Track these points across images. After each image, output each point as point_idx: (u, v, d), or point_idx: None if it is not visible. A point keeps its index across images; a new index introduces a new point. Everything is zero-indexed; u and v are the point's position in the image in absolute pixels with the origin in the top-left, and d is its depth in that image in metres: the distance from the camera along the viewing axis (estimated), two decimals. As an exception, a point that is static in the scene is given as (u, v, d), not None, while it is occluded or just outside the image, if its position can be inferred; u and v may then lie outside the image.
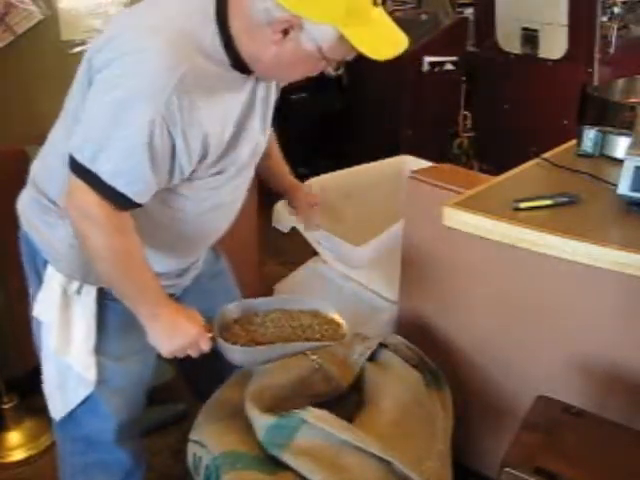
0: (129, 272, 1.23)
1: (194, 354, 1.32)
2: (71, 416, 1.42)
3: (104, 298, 1.36)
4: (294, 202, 1.69)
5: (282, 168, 1.68)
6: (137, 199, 1.17)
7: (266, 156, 1.49)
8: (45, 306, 1.35)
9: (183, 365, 1.81)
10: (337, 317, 1.42)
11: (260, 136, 1.35)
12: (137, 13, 1.20)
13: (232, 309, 1.40)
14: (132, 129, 1.10)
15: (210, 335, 1.31)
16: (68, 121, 1.26)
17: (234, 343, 1.33)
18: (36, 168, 1.38)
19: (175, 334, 1.28)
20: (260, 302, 1.44)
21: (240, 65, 1.20)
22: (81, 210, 1.17)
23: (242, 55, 1.17)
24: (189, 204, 1.30)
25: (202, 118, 1.16)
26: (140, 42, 1.11)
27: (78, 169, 1.14)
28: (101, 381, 1.38)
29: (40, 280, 1.36)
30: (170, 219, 1.31)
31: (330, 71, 1.23)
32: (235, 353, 1.32)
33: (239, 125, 1.26)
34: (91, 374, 1.36)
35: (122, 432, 1.47)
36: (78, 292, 1.33)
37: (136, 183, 1.15)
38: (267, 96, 1.33)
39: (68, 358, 1.35)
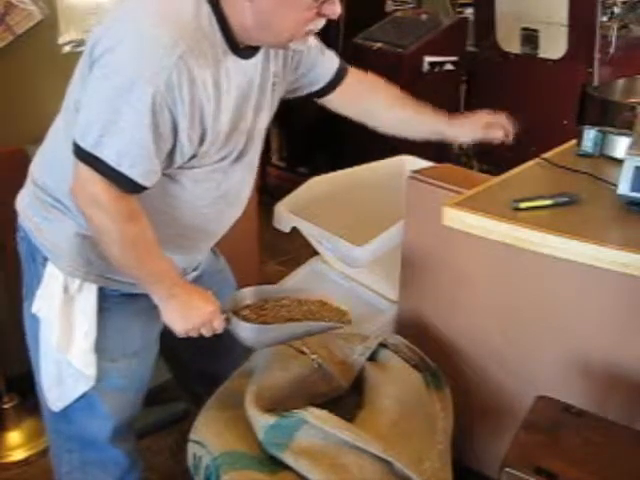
0: (142, 256, 1.25)
1: (207, 333, 1.34)
2: (67, 415, 1.42)
3: (104, 301, 1.36)
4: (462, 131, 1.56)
5: (423, 107, 1.56)
6: (143, 182, 1.18)
7: (399, 108, 1.54)
8: (45, 303, 1.35)
9: (177, 369, 1.82)
10: (342, 306, 1.48)
11: (254, 124, 1.34)
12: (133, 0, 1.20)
13: (245, 294, 1.44)
14: (134, 112, 1.11)
15: (224, 316, 1.33)
16: (69, 112, 1.27)
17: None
18: (36, 165, 1.39)
19: (190, 313, 1.30)
20: (271, 289, 1.49)
21: (236, 47, 1.20)
22: (89, 198, 1.18)
23: (234, 30, 1.18)
24: (188, 194, 1.31)
25: (202, 98, 1.16)
26: (137, 26, 1.13)
27: (83, 156, 1.15)
28: (101, 382, 1.39)
29: (39, 279, 1.36)
30: (172, 209, 1.32)
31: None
32: (247, 331, 1.35)
33: (236, 111, 1.26)
34: (91, 371, 1.37)
35: (118, 432, 1.47)
36: (79, 290, 1.33)
37: (141, 165, 1.16)
38: (263, 82, 1.32)
39: (69, 355, 1.35)
